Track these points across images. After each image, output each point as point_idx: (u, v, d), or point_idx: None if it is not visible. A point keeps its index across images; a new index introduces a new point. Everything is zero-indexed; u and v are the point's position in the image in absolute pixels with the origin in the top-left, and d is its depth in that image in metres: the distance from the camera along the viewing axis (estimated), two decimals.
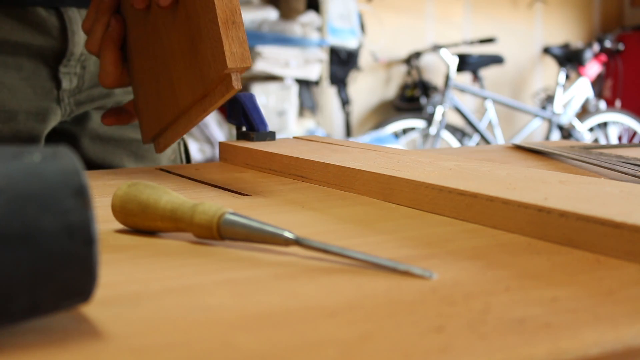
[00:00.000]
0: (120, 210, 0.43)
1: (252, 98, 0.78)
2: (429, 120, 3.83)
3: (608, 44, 4.56)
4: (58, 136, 0.84)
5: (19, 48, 0.77)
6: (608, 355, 0.25)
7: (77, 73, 0.81)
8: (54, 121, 0.81)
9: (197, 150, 3.09)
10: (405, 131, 3.93)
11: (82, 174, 0.26)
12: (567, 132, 4.25)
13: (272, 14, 3.38)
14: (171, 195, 0.42)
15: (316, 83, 3.63)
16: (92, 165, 0.86)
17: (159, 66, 0.66)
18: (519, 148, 0.86)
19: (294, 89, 3.41)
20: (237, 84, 0.56)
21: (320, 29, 3.52)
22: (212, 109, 0.60)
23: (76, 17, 0.78)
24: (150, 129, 0.72)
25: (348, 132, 3.99)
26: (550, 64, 4.76)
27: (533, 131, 4.49)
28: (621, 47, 4.66)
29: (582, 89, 4.39)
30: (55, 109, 0.80)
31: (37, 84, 0.78)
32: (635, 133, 4.58)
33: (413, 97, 4.17)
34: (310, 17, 3.46)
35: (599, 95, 4.71)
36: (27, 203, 0.25)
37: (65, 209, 0.25)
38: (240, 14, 0.56)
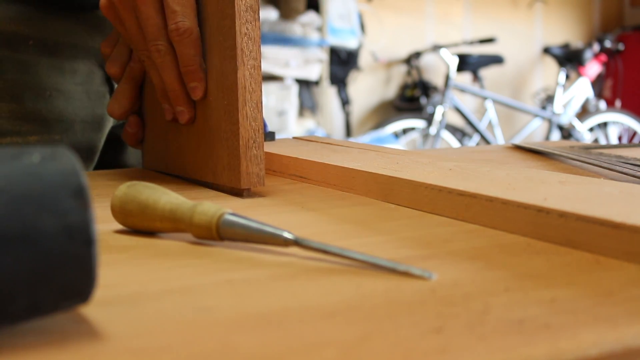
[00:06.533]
0: (120, 211, 0.43)
1: None
2: (429, 120, 3.83)
3: (608, 44, 4.56)
4: (108, 141, 0.82)
5: (76, 51, 0.75)
6: (607, 355, 0.25)
7: None
8: (107, 129, 0.79)
9: None
10: (405, 131, 3.94)
11: (82, 175, 0.26)
12: (567, 132, 4.26)
13: (272, 14, 3.39)
14: (170, 195, 0.42)
15: (316, 83, 3.64)
16: None
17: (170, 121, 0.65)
18: (518, 148, 0.86)
19: (294, 89, 3.42)
20: (247, 196, 0.56)
21: (320, 29, 3.53)
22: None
23: None
24: (152, 161, 0.71)
25: (348, 132, 3.99)
26: (550, 64, 4.76)
27: (533, 131, 4.49)
28: (621, 47, 4.66)
29: (582, 89, 4.39)
30: (108, 115, 0.78)
31: (91, 89, 0.76)
32: (635, 133, 4.58)
33: (413, 97, 4.17)
34: (310, 17, 3.47)
35: (599, 95, 4.71)
36: (26, 204, 0.25)
37: (64, 210, 0.25)
38: (263, 133, 0.55)
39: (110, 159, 0.83)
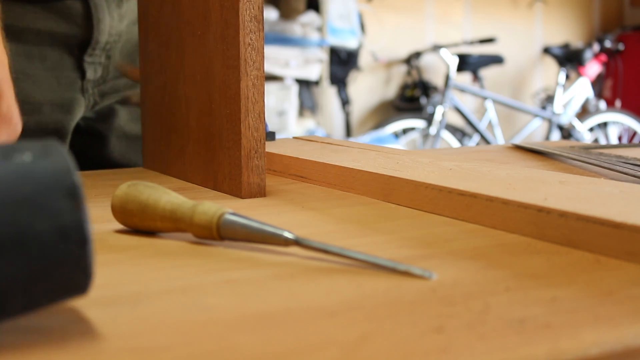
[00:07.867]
0: (120, 211, 0.43)
1: None
2: (429, 120, 3.83)
3: (608, 44, 4.56)
4: (85, 134, 0.83)
5: (42, 37, 0.75)
6: (607, 355, 0.25)
7: (101, 63, 0.80)
8: (79, 112, 0.80)
9: None
10: (405, 131, 3.93)
11: (74, 173, 0.26)
12: (567, 132, 4.25)
13: (272, 14, 3.39)
14: (171, 195, 0.42)
15: (316, 83, 3.63)
16: (118, 164, 0.85)
17: (172, 116, 0.65)
18: (518, 148, 0.86)
19: (294, 89, 3.41)
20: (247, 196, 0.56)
21: (320, 29, 3.53)
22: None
23: (102, 3, 0.76)
24: (152, 162, 0.71)
25: (348, 132, 3.99)
26: (550, 64, 4.76)
27: (533, 131, 4.49)
28: (621, 47, 4.65)
29: (582, 89, 4.38)
30: (79, 99, 0.79)
31: (61, 75, 0.77)
32: (635, 133, 4.57)
33: (413, 97, 4.17)
34: (310, 17, 3.47)
35: (599, 95, 4.70)
36: (19, 207, 0.25)
37: (57, 211, 0.25)
38: (265, 143, 0.55)
39: (93, 154, 0.84)
